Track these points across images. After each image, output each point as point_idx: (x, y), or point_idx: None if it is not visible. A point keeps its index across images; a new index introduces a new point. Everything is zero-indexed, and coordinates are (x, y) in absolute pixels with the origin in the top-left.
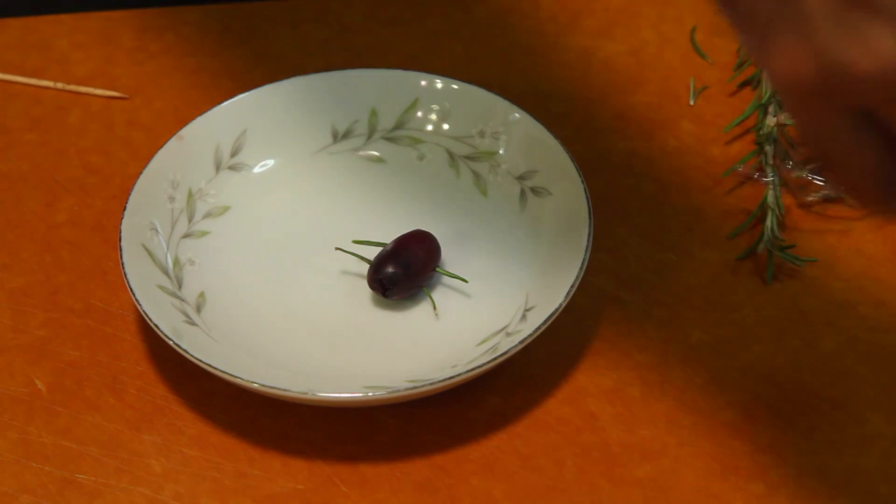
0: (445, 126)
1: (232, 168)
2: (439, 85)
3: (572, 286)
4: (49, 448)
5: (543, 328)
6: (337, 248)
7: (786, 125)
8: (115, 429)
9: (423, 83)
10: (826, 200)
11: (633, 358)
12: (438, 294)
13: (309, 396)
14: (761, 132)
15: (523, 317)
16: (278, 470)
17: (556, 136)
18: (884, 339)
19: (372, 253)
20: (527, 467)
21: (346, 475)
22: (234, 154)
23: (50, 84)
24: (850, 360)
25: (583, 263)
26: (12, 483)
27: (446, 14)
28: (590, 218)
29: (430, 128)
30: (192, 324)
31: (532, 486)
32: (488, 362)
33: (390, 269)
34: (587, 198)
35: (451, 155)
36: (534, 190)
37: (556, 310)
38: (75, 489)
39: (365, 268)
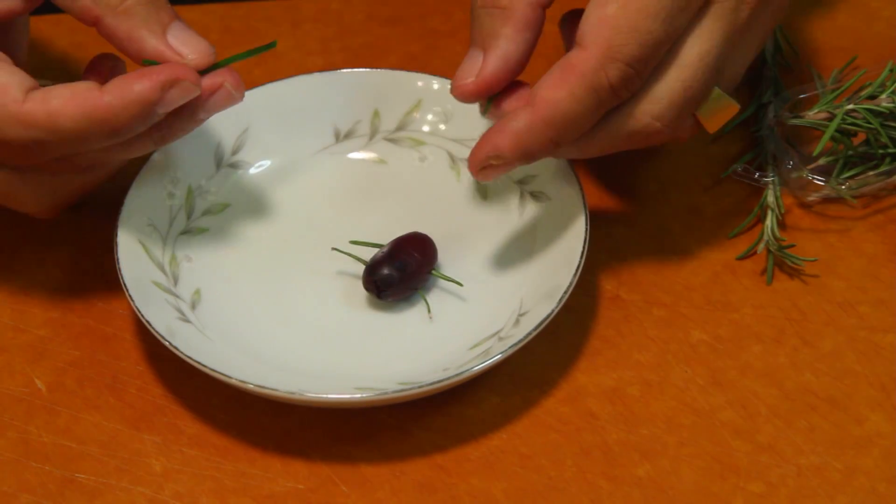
0: (447, 128)
1: (232, 166)
2: (442, 87)
3: (565, 293)
4: (49, 448)
5: (534, 334)
6: (333, 249)
7: (786, 125)
8: (115, 428)
9: (427, 85)
10: (826, 200)
11: (633, 358)
12: (434, 297)
13: (297, 396)
14: (761, 132)
15: (517, 321)
16: (278, 470)
17: None
18: (884, 339)
19: (368, 254)
20: (527, 467)
21: (346, 475)
22: (235, 152)
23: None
24: (850, 360)
25: (577, 270)
26: (12, 483)
27: (446, 14)
28: (586, 224)
29: (431, 129)
30: (186, 321)
31: (532, 486)
32: (476, 367)
33: (385, 271)
34: (584, 203)
35: (451, 157)
36: (533, 194)
37: (547, 317)
38: (75, 489)
39: (361, 269)
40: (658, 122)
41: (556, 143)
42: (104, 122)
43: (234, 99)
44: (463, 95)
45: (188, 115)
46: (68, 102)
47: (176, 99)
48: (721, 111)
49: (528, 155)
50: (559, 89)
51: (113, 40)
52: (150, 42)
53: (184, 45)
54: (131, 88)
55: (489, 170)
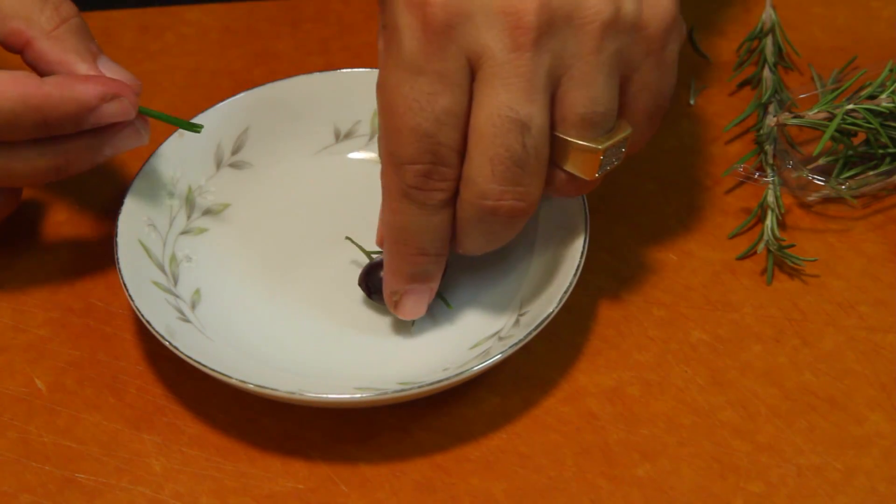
0: None
1: (233, 166)
2: None
3: (565, 293)
4: (49, 448)
5: (534, 334)
6: (347, 238)
7: (786, 125)
8: (115, 428)
9: None
10: (826, 200)
11: (633, 358)
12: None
13: (297, 396)
14: (761, 132)
15: (516, 322)
16: (278, 470)
17: None
18: (884, 339)
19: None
20: (527, 467)
21: (346, 475)
22: (235, 152)
23: None
24: (850, 360)
25: (577, 269)
26: (12, 483)
27: None
28: (586, 223)
29: None
30: (186, 321)
31: (532, 486)
32: (477, 367)
33: (380, 275)
34: (585, 204)
35: None
36: None
37: (548, 316)
38: (75, 489)
39: (361, 269)
40: (488, 200)
41: (421, 254)
42: (38, 110)
43: (141, 139)
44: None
45: (95, 146)
46: (7, 83)
47: (110, 113)
48: (584, 158)
49: (410, 276)
50: (383, 212)
51: (40, 65)
52: (82, 67)
53: (113, 73)
54: (73, 86)
55: (400, 305)
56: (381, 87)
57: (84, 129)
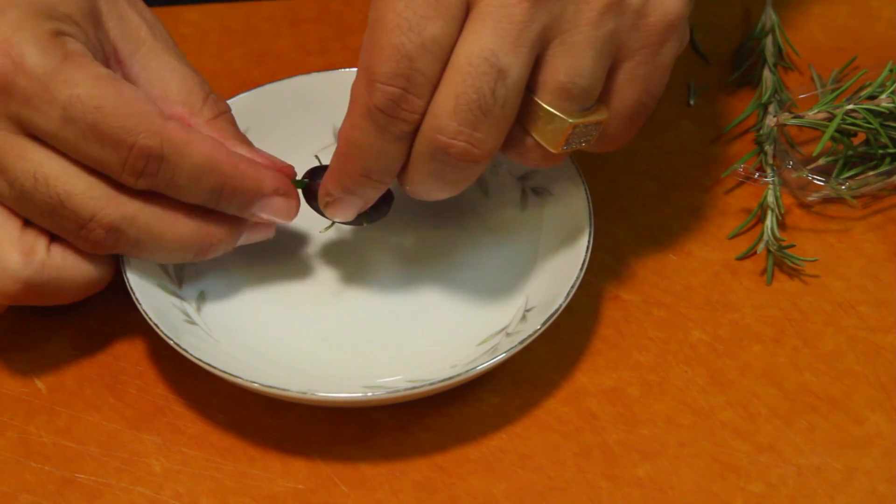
0: None
1: None
2: None
3: (572, 287)
4: (49, 448)
5: (543, 329)
6: (315, 156)
7: (786, 125)
8: (115, 429)
9: None
10: (826, 200)
11: (633, 358)
12: (439, 292)
13: (308, 396)
14: (761, 132)
15: (523, 317)
16: (278, 470)
17: None
18: (884, 339)
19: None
20: (527, 467)
21: (346, 475)
22: None
23: None
24: (850, 360)
25: (583, 264)
26: (12, 483)
27: None
28: (590, 218)
29: None
30: (193, 323)
31: (532, 486)
32: (487, 363)
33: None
34: (588, 197)
35: None
36: (535, 190)
37: (556, 311)
38: (75, 489)
39: (364, 268)
40: (442, 135)
41: (364, 175)
42: (220, 175)
43: (271, 230)
44: None
45: (235, 231)
46: (204, 139)
47: (276, 208)
48: (552, 128)
49: (347, 189)
50: (345, 121)
51: None
52: (242, 150)
53: (269, 160)
54: (257, 166)
55: (329, 206)
56: (376, 0)
57: (243, 214)
